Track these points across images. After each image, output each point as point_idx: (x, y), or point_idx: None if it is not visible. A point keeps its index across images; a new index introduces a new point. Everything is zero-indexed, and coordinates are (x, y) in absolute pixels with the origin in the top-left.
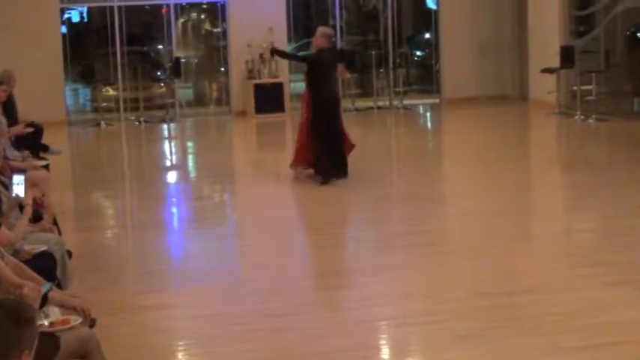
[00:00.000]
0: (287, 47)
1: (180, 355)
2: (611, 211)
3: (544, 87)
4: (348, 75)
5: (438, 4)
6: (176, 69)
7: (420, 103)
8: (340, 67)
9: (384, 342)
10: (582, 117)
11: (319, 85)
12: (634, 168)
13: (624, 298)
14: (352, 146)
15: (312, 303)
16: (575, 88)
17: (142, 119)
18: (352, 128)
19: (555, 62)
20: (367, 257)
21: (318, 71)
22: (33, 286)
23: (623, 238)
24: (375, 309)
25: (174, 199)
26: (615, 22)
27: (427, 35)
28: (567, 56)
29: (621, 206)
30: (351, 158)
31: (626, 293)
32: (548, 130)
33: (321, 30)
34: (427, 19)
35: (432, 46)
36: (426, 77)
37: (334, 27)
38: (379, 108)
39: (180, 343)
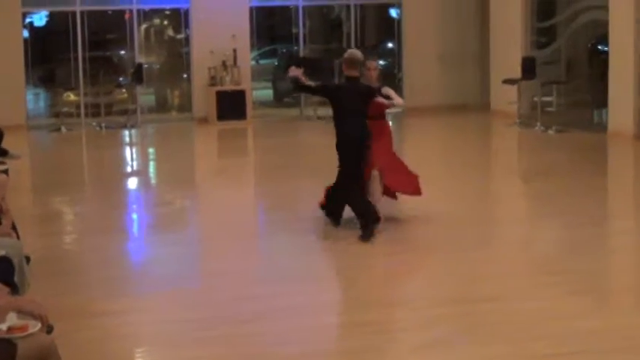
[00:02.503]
0: (249, 54)
1: None
2: (571, 221)
3: (505, 97)
4: (395, 108)
5: (401, 13)
6: (138, 75)
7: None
8: (379, 100)
9: (347, 349)
10: (542, 128)
11: (340, 122)
12: (593, 178)
13: (585, 307)
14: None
15: (273, 309)
16: (535, 99)
17: (103, 125)
18: (315, 137)
19: (517, 73)
20: (330, 263)
21: (339, 105)
22: None
23: (583, 248)
24: (338, 316)
25: (135, 205)
26: (577, 34)
27: (390, 44)
28: (528, 67)
29: (581, 216)
30: (316, 166)
31: (587, 302)
32: (509, 140)
33: (347, 54)
34: (390, 28)
35: (395, 55)
36: (389, 86)
37: (297, 35)
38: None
39: (142, 349)
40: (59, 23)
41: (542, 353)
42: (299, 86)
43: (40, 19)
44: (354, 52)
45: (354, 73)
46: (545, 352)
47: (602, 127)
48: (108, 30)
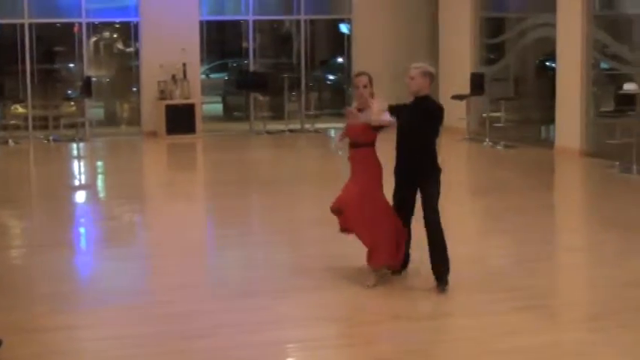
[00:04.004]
0: (199, 68)
1: None
2: (520, 237)
3: (455, 113)
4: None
5: (351, 29)
6: (87, 88)
7: (333, 127)
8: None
9: None
10: (491, 143)
11: (397, 149)
12: (541, 194)
13: (533, 323)
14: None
15: (222, 325)
16: (484, 114)
17: (50, 138)
18: (264, 151)
19: (466, 89)
20: (278, 279)
21: (399, 130)
22: None
23: (531, 264)
24: (286, 331)
25: (82, 219)
26: (525, 51)
27: (340, 59)
28: (477, 83)
29: (530, 232)
30: (265, 180)
31: (535, 318)
32: (458, 155)
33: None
34: (340, 43)
35: (345, 71)
36: (338, 101)
37: (247, 50)
38: (291, 131)
39: None
40: (7, 35)
41: None
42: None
43: None
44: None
45: (421, 90)
46: None
47: (550, 143)
48: (57, 43)
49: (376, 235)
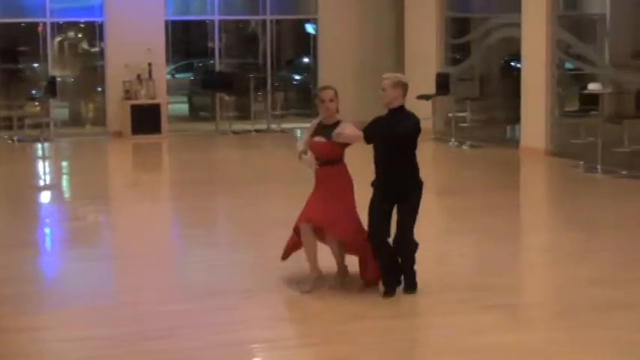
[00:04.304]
0: (165, 68)
1: None
2: (484, 237)
3: (420, 113)
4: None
5: (316, 29)
6: (51, 88)
7: (299, 127)
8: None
9: None
10: (457, 143)
11: (376, 164)
12: (506, 194)
13: (497, 322)
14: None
15: (186, 326)
16: (450, 114)
17: (15, 138)
18: (230, 151)
19: (431, 89)
20: (243, 279)
21: (375, 145)
22: None
23: (495, 263)
24: (249, 332)
25: (47, 219)
26: (490, 51)
27: (306, 59)
28: (443, 83)
29: (494, 231)
30: (231, 180)
31: (499, 317)
32: (423, 155)
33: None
34: (306, 43)
35: (311, 71)
36: (304, 101)
37: (213, 50)
38: (257, 131)
39: None
40: None
41: None
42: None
43: None
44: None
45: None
46: None
47: (515, 143)
48: (21, 42)
49: (367, 248)
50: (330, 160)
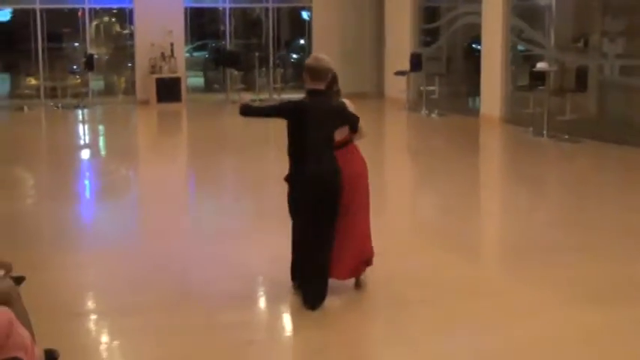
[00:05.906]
0: (184, 48)
1: None
2: (448, 191)
3: (397, 87)
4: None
5: (311, 15)
6: (89, 63)
7: (295, 97)
8: (341, 133)
9: None
10: (427, 112)
11: (301, 155)
12: (467, 155)
13: (458, 261)
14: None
15: (200, 257)
16: (421, 88)
17: (59, 105)
18: (237, 116)
19: (406, 66)
20: (246, 222)
21: (299, 130)
22: None
23: (457, 213)
24: (255, 260)
25: (87, 173)
26: (456, 35)
27: (302, 41)
28: (416, 62)
29: (456, 187)
30: (239, 141)
31: (460, 257)
32: (399, 122)
33: (309, 60)
34: (302, 27)
35: (306, 50)
36: (300, 76)
37: (224, 32)
38: (260, 100)
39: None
40: (22, 19)
41: (417, 297)
42: (246, 111)
43: (4, 15)
44: (319, 58)
45: (320, 85)
46: (416, 296)
47: (475, 112)
48: (63, 25)
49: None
50: (344, 141)
